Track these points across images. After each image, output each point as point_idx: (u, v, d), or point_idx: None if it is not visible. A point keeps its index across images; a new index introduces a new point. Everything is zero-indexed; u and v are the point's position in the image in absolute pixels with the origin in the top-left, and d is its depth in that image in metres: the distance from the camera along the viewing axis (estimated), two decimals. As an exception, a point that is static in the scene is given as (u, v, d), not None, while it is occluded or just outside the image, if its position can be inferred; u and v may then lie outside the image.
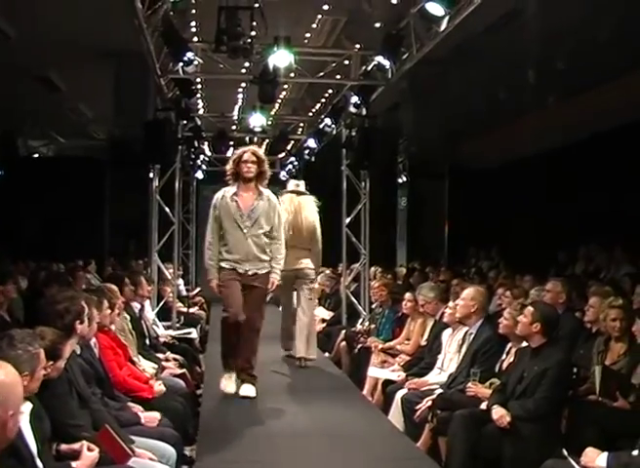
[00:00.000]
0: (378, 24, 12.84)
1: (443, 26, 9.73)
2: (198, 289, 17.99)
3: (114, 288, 8.05)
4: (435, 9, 9.16)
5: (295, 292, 10.73)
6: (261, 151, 8.67)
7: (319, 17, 13.71)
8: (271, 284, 8.49)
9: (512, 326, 7.03)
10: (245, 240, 8.33)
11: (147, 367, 8.20)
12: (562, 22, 10.58)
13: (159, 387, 7.20)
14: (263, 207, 8.42)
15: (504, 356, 7.40)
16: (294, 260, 10.20)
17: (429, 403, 7.29)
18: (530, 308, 6.82)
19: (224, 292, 8.37)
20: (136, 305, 9.68)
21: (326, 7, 13.10)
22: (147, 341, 9.46)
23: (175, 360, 9.44)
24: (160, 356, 9.23)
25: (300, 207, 10.60)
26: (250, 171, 8.33)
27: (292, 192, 10.79)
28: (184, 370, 8.98)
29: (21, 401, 3.93)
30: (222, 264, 8.38)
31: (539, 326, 6.68)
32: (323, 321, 13.50)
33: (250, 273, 8.34)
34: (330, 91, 16.89)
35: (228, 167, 8.46)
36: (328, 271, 15.62)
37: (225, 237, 8.40)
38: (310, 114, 18.46)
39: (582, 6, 9.82)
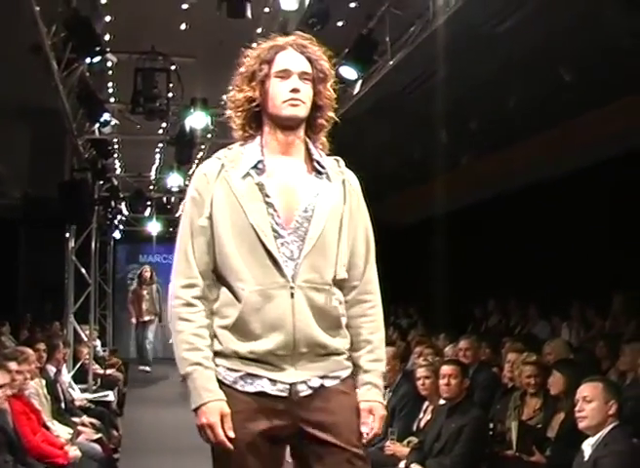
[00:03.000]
0: (293, 87, 12.98)
1: (357, 89, 9.93)
2: (114, 348, 17.81)
3: (29, 351, 7.91)
4: (349, 73, 9.34)
5: None
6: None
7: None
8: (370, 427, 3.31)
9: (434, 385, 7.10)
10: (286, 295, 3.20)
11: (62, 431, 8.04)
12: (472, 85, 10.88)
13: (74, 452, 7.10)
14: (334, 197, 3.37)
15: (422, 414, 7.47)
16: None
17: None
18: (453, 367, 6.91)
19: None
20: (51, 368, 9.51)
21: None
22: (63, 405, 9.28)
23: (91, 424, 9.27)
24: (76, 420, 9.05)
25: None
26: (299, 98, 3.31)
27: None
28: (101, 435, 8.80)
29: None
30: (227, 377, 3.24)
31: (468, 381, 6.82)
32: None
33: (302, 393, 3.23)
34: (247, 151, 16.92)
35: (238, 92, 3.48)
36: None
37: (227, 285, 3.25)
38: (228, 174, 18.46)
39: (491, 70, 10.16)
